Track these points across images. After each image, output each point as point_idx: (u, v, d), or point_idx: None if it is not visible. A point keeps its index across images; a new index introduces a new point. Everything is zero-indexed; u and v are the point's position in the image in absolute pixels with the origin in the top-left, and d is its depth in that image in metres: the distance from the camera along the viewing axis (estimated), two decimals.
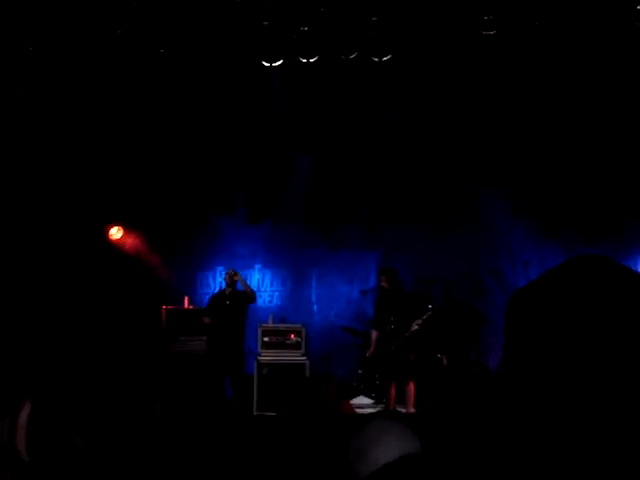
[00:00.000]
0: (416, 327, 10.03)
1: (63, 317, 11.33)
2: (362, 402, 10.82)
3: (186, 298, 12.18)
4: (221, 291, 11.40)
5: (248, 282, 11.83)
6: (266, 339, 11.17)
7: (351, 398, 10.60)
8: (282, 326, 11.46)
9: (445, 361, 10.77)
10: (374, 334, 10.43)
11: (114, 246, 12.85)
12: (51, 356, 9.85)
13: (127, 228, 12.92)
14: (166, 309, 11.71)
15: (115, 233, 12.84)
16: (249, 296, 10.92)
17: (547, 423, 1.10)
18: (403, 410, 9.92)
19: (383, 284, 10.36)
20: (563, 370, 1.09)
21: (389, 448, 1.85)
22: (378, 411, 9.73)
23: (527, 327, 1.15)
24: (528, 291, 1.20)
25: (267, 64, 10.69)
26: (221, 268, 12.93)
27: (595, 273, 1.15)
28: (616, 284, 1.13)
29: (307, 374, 10.86)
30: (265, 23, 10.16)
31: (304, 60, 10.57)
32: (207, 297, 11.95)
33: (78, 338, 11.14)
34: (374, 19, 10.22)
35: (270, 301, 13.00)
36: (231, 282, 11.06)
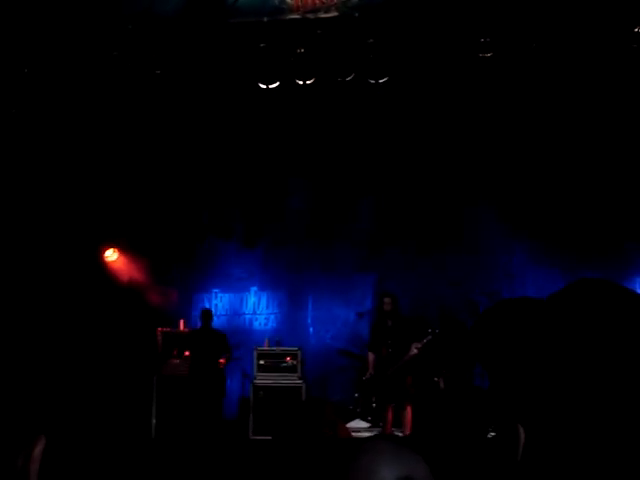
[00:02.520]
0: (415, 351, 10.06)
1: (59, 342, 11.30)
2: (359, 425, 10.77)
3: (182, 321, 12.17)
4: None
5: (244, 305, 11.97)
6: (262, 362, 11.17)
7: (347, 421, 10.55)
8: (278, 349, 11.44)
9: (442, 384, 10.74)
10: (371, 356, 10.47)
11: (110, 268, 12.85)
12: (61, 387, 9.81)
13: (122, 250, 12.93)
14: (161, 331, 11.70)
15: (110, 255, 12.86)
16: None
17: (546, 442, 1.11)
18: (400, 434, 9.89)
19: (387, 307, 10.43)
20: (568, 395, 1.09)
21: (384, 470, 1.82)
22: (375, 434, 9.68)
23: (530, 352, 1.15)
24: (527, 317, 1.19)
25: (263, 86, 10.72)
26: (217, 290, 12.95)
27: (597, 298, 1.15)
28: (619, 309, 1.13)
29: (303, 397, 10.85)
30: (262, 45, 10.21)
31: (300, 82, 10.61)
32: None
33: (75, 363, 11.11)
34: (370, 41, 10.27)
35: (266, 324, 12.98)
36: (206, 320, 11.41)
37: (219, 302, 13.01)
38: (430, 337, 10.11)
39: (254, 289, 13.13)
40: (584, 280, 1.19)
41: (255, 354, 11.23)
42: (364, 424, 10.97)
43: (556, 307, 1.16)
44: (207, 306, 12.79)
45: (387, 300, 10.48)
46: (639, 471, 1.08)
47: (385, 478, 1.77)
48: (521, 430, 1.11)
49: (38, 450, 1.65)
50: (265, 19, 9.82)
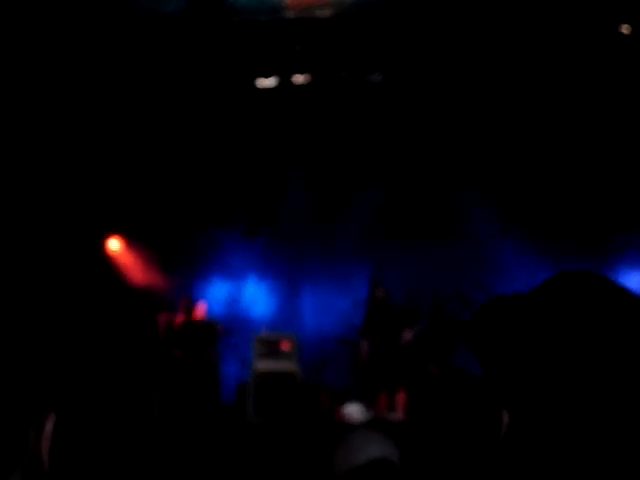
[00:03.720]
0: (409, 338, 10.30)
1: (65, 327, 11.53)
2: (353, 410, 10.99)
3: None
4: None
5: (243, 293, 12.17)
6: (260, 349, 11.34)
7: (342, 406, 10.79)
8: (275, 336, 11.62)
9: (434, 371, 10.99)
10: (364, 343, 10.72)
11: (113, 256, 13.09)
12: (70, 367, 10.05)
13: (125, 239, 13.14)
14: (163, 316, 11.92)
15: (113, 244, 13.07)
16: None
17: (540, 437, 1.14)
18: (393, 418, 10.13)
19: (379, 295, 10.67)
20: (553, 393, 1.12)
21: (361, 453, 2.02)
22: (364, 421, 9.95)
23: (515, 344, 1.18)
24: (514, 309, 1.22)
25: (262, 82, 10.91)
26: (217, 278, 13.15)
27: (576, 290, 1.18)
28: (597, 301, 1.16)
29: (300, 383, 11.08)
30: (259, 43, 10.40)
31: (297, 79, 10.81)
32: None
33: (81, 347, 11.35)
34: (366, 39, 10.46)
35: (264, 311, 13.17)
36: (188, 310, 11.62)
37: (218, 290, 13.25)
38: (421, 325, 10.38)
39: (253, 277, 13.34)
40: (564, 273, 1.22)
41: (253, 341, 11.46)
42: (359, 408, 11.21)
43: (537, 300, 1.19)
44: (206, 294, 13.02)
45: (380, 289, 10.75)
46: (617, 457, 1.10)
47: (368, 456, 2.02)
48: (505, 414, 1.17)
49: (49, 427, 1.64)
50: (263, 18, 10.01)
